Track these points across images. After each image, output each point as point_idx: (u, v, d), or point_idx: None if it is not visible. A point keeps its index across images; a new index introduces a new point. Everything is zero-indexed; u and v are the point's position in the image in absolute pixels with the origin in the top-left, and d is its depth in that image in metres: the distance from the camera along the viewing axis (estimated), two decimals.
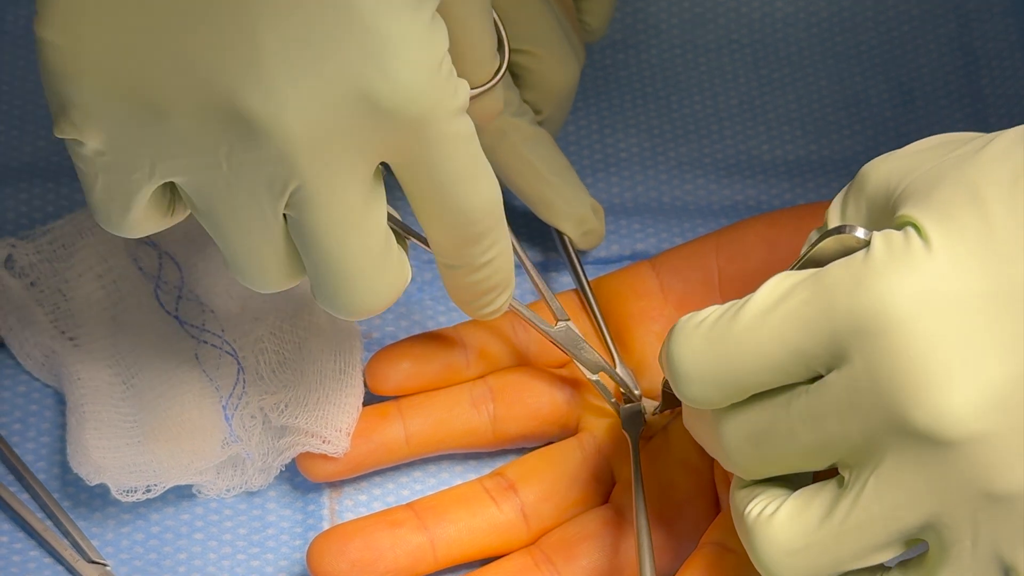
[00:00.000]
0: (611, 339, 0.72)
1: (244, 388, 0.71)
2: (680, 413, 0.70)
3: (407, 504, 0.69)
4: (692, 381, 0.58)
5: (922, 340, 0.53)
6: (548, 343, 0.71)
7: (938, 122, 0.84)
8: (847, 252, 0.56)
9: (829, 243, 0.57)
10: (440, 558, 0.68)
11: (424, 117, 0.57)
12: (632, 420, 0.70)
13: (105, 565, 0.69)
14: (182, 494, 0.70)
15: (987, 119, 0.83)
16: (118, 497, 0.68)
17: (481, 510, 0.68)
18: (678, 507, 0.68)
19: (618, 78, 0.84)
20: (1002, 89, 0.84)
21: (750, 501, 0.59)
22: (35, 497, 0.71)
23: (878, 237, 0.55)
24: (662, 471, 0.69)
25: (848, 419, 0.55)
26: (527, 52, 0.76)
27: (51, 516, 0.70)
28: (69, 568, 0.69)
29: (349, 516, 0.70)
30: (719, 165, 0.82)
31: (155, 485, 0.68)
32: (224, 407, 0.71)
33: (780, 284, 0.56)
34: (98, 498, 0.70)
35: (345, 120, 0.56)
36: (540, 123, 0.77)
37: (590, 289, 0.73)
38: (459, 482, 0.72)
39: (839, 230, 0.56)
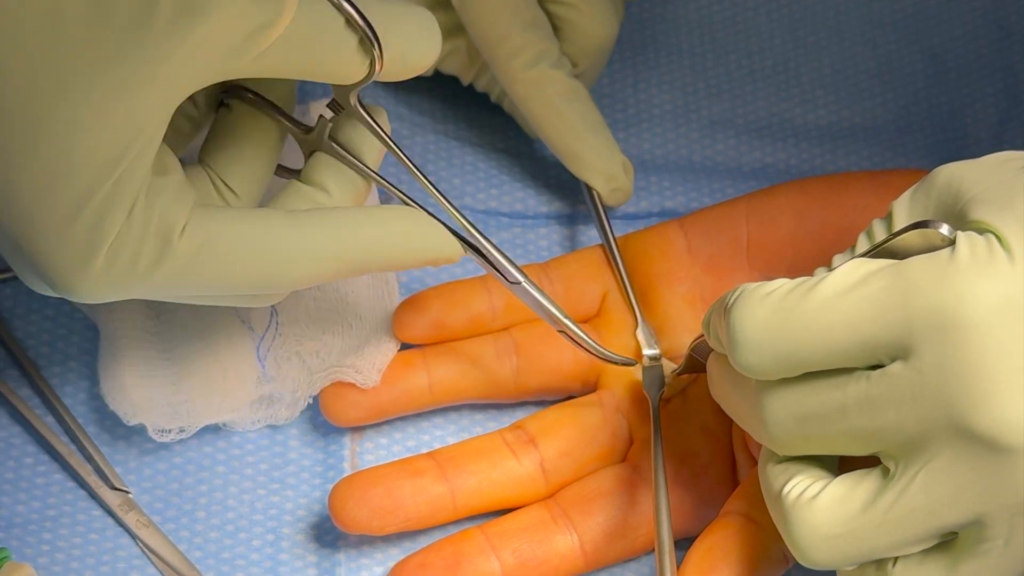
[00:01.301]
0: (635, 298, 0.73)
1: (278, 330, 0.72)
2: (699, 377, 0.71)
3: (428, 453, 0.70)
4: (751, 350, 0.58)
5: (996, 346, 0.54)
6: (574, 297, 0.73)
7: (969, 95, 0.84)
8: (927, 247, 0.57)
9: (912, 236, 0.57)
10: (459, 508, 0.69)
11: None
12: (653, 381, 0.71)
13: (127, 492, 0.70)
14: (206, 427, 0.71)
15: (1019, 95, 0.84)
16: (154, 437, 0.69)
17: (501, 463, 0.70)
18: (695, 469, 0.70)
19: (655, 33, 0.85)
20: None
21: (787, 480, 0.60)
22: (60, 422, 0.72)
23: (963, 239, 0.56)
24: (680, 433, 0.70)
25: (906, 410, 0.56)
26: (567, 4, 0.76)
27: (75, 441, 0.71)
28: (91, 493, 0.70)
29: (369, 459, 0.72)
30: (751, 126, 0.83)
31: (188, 426, 0.70)
32: (258, 347, 0.72)
33: (857, 268, 0.57)
34: (122, 426, 0.71)
35: None
36: (576, 76, 0.77)
37: (616, 246, 0.74)
38: (479, 431, 0.73)
39: (924, 224, 0.57)
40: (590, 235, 0.79)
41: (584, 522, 0.69)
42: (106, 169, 0.55)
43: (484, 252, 0.67)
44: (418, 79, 0.68)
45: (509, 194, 0.80)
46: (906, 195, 0.62)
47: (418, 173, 0.66)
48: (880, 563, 0.59)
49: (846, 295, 0.56)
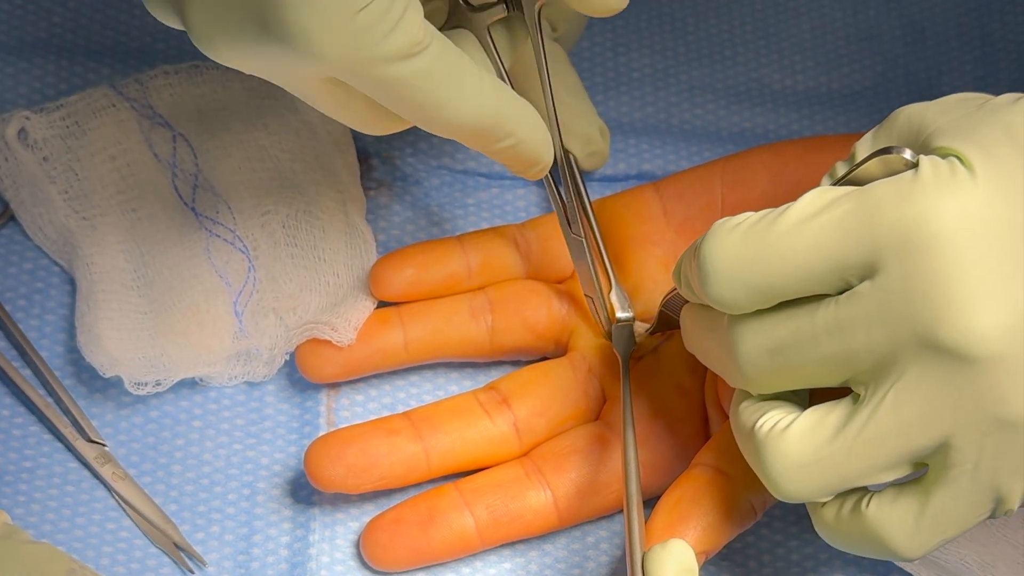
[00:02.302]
0: (609, 260, 0.74)
1: (255, 286, 0.73)
2: (672, 336, 0.72)
3: (403, 413, 0.71)
4: (722, 281, 0.60)
5: (960, 259, 0.56)
6: (550, 258, 0.74)
7: (947, 62, 0.85)
8: (890, 174, 0.59)
9: (873, 164, 0.59)
10: (433, 467, 0.70)
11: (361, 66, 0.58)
12: (622, 340, 0.72)
13: (103, 445, 0.71)
14: (183, 382, 0.73)
15: (996, 62, 0.85)
16: (130, 390, 0.70)
17: (475, 422, 0.71)
18: (667, 427, 0.71)
19: None
20: (1012, 34, 0.86)
21: (759, 417, 0.61)
22: (37, 374, 0.73)
23: (926, 161, 0.58)
24: (652, 391, 0.72)
25: (875, 330, 0.57)
26: None
27: (52, 394, 0.72)
28: (68, 446, 0.71)
29: (345, 415, 0.73)
30: (729, 91, 0.84)
31: (165, 379, 0.70)
32: (235, 302, 0.73)
33: (822, 195, 0.59)
34: (99, 379, 0.72)
35: None
36: (555, 40, 0.78)
37: (592, 209, 0.75)
38: (455, 389, 0.74)
39: (887, 151, 0.59)
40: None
41: (557, 479, 0.70)
42: None
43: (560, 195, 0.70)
44: None
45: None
46: (867, 135, 0.63)
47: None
48: (855, 503, 0.60)
49: (813, 219, 0.58)
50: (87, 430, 0.71)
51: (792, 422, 0.60)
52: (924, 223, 0.56)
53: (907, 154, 0.58)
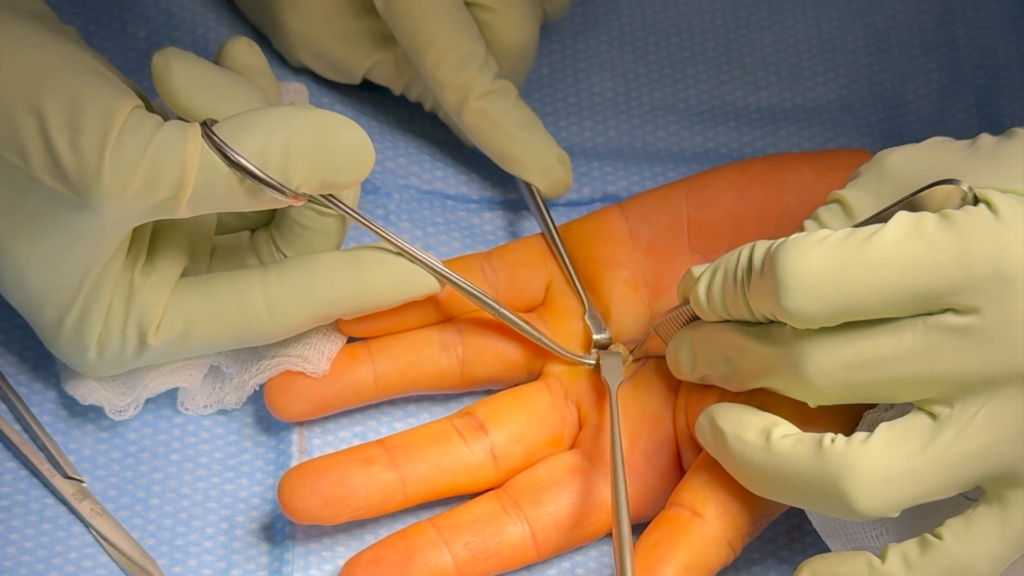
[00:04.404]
0: (581, 285, 0.77)
1: None
2: (645, 364, 0.75)
3: (378, 441, 0.73)
4: (803, 295, 0.63)
5: None
6: (518, 286, 0.77)
7: (911, 71, 0.88)
8: (943, 204, 0.63)
9: (932, 193, 0.64)
10: (410, 495, 0.73)
11: None
12: (612, 368, 0.75)
13: (81, 481, 0.74)
14: (160, 415, 0.76)
15: (961, 69, 0.88)
16: (111, 416, 0.73)
17: (451, 449, 0.73)
18: (644, 457, 0.74)
19: (596, 17, 0.88)
20: (976, 40, 0.89)
21: (805, 436, 0.65)
22: (12, 409, 0.76)
23: (998, 197, 0.62)
24: (627, 420, 0.74)
25: (966, 359, 0.62)
26: (484, 7, 0.81)
27: (28, 429, 0.75)
28: (45, 482, 0.74)
29: (317, 443, 0.75)
30: (693, 111, 0.87)
31: (140, 396, 0.73)
32: None
33: (908, 221, 0.62)
34: (77, 415, 0.76)
35: None
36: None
37: (559, 237, 0.78)
38: (427, 417, 0.77)
39: (950, 181, 0.63)
40: (530, 225, 0.83)
41: (535, 512, 0.72)
42: (68, 298, 0.70)
43: (464, 286, 0.73)
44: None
45: (454, 176, 0.84)
46: (852, 184, 0.68)
47: (379, 229, 0.72)
48: (920, 543, 0.64)
49: (902, 245, 0.62)
50: (64, 466, 0.74)
51: (868, 437, 0.64)
52: (1017, 259, 0.61)
53: (965, 186, 0.63)
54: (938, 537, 0.64)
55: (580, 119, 0.86)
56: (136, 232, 0.70)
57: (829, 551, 0.69)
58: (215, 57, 0.74)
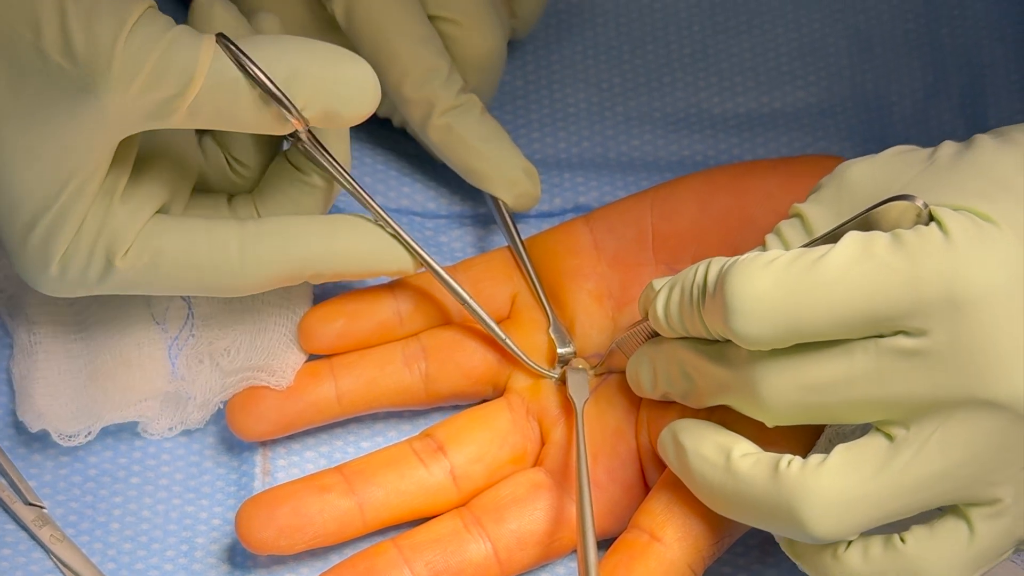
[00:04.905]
0: (546, 298, 0.77)
1: (192, 331, 0.76)
2: (607, 379, 0.74)
3: (336, 467, 0.74)
4: (753, 320, 0.62)
5: (1005, 315, 0.60)
6: (483, 300, 0.76)
7: (895, 71, 0.87)
8: (898, 220, 0.62)
9: (885, 210, 0.62)
10: (369, 521, 0.73)
11: None
12: (578, 385, 0.75)
13: (41, 507, 0.74)
14: (121, 439, 0.77)
15: (946, 68, 0.87)
16: (59, 442, 0.74)
17: (410, 472, 0.73)
18: (608, 472, 0.74)
19: (570, 27, 0.88)
20: (962, 39, 0.87)
21: (764, 456, 0.64)
22: None
23: (949, 215, 0.61)
24: (591, 436, 0.74)
25: (919, 382, 0.61)
26: (448, 20, 0.81)
27: None
28: (5, 508, 0.75)
29: (282, 464, 0.76)
30: (668, 119, 0.86)
31: (93, 426, 0.74)
32: (170, 347, 0.75)
33: (857, 242, 0.62)
34: (37, 439, 0.77)
35: None
36: (472, 91, 0.81)
37: (525, 250, 0.78)
38: (394, 435, 0.77)
39: (905, 197, 0.62)
40: (497, 239, 0.83)
41: (497, 529, 0.72)
42: (46, 200, 0.68)
43: (435, 268, 0.73)
44: None
45: (421, 192, 0.84)
46: (813, 198, 0.67)
47: (368, 198, 0.72)
48: (884, 542, 0.64)
49: (852, 268, 0.61)
50: (24, 492, 0.75)
51: (824, 460, 0.63)
52: (967, 282, 0.60)
53: (920, 203, 0.62)
54: (902, 540, 0.64)
55: (554, 130, 0.86)
56: (120, 154, 0.69)
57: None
58: None
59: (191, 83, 0.65)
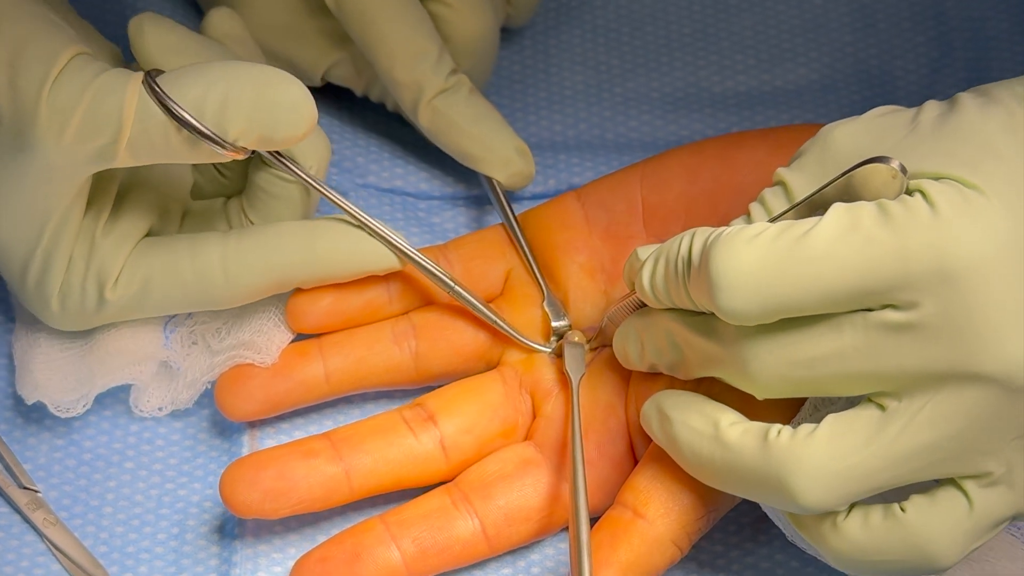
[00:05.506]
0: (540, 273, 0.76)
1: (188, 313, 0.77)
2: (598, 354, 0.74)
3: (323, 433, 0.74)
4: (738, 295, 0.62)
5: (993, 287, 0.60)
6: (474, 277, 0.77)
7: (899, 46, 0.87)
8: (885, 189, 0.62)
9: (862, 173, 0.62)
10: (355, 489, 0.73)
11: None
12: (575, 361, 0.74)
13: (36, 491, 0.75)
14: (117, 423, 0.78)
15: (951, 42, 0.86)
16: (56, 413, 0.75)
17: (399, 440, 0.73)
18: (598, 447, 0.74)
19: (569, 11, 0.88)
20: (967, 12, 0.87)
21: (752, 426, 0.64)
22: None
23: (933, 186, 0.61)
24: (581, 410, 0.74)
25: (910, 355, 0.61)
26: (438, 1, 0.81)
27: None
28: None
29: (270, 443, 0.76)
30: (667, 99, 0.86)
31: (89, 393, 0.75)
32: (165, 325, 0.77)
33: (844, 215, 0.61)
34: (33, 422, 0.77)
35: None
36: (464, 74, 0.81)
37: (519, 226, 0.78)
38: None
39: (881, 159, 0.62)
40: (496, 215, 0.82)
41: (485, 506, 0.72)
42: (29, 245, 0.71)
43: (419, 260, 0.73)
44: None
45: (414, 173, 0.85)
46: (795, 164, 0.67)
47: (338, 200, 0.73)
48: (884, 511, 0.64)
49: (839, 241, 0.61)
50: (19, 476, 0.76)
51: (814, 430, 0.63)
52: (956, 254, 0.60)
53: (896, 164, 0.61)
54: (902, 510, 0.63)
55: (550, 113, 0.86)
56: (100, 188, 0.72)
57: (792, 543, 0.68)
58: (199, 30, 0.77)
59: (121, 131, 0.67)
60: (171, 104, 0.66)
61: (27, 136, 0.67)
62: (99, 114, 0.66)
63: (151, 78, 0.67)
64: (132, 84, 0.67)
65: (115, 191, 0.73)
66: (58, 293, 0.72)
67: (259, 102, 0.67)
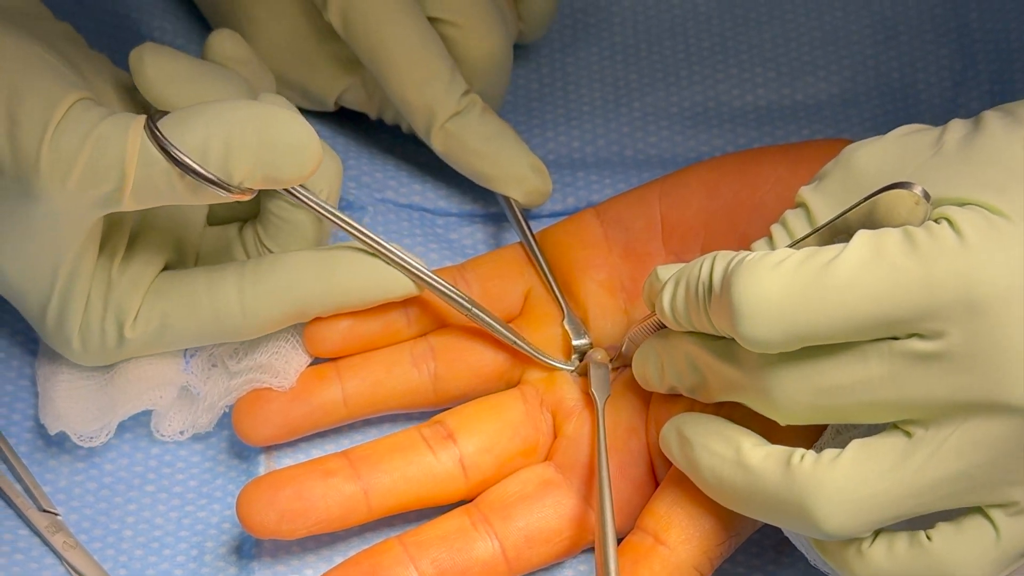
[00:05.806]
0: (559, 291, 0.76)
1: None
2: (620, 374, 0.74)
3: (341, 452, 0.73)
4: (761, 323, 0.61)
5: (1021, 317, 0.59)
6: (492, 298, 0.76)
7: (921, 59, 0.86)
8: (909, 216, 0.61)
9: (885, 199, 0.62)
10: (374, 508, 0.72)
11: None
12: (601, 382, 0.74)
13: (56, 514, 0.76)
14: (137, 446, 0.78)
15: (974, 55, 0.86)
16: (78, 443, 0.75)
17: (417, 459, 0.73)
18: (620, 469, 0.73)
19: (586, 28, 0.88)
20: (990, 23, 0.86)
21: (775, 450, 0.64)
22: None
23: (959, 213, 0.60)
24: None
25: (937, 385, 0.60)
26: (448, 22, 0.80)
27: (5, 461, 0.77)
28: (19, 514, 0.76)
29: (287, 462, 0.76)
30: (686, 114, 0.85)
31: (111, 422, 0.75)
32: (185, 350, 0.76)
33: (869, 243, 0.61)
34: (54, 445, 0.78)
35: None
36: (478, 94, 0.81)
37: (536, 245, 0.78)
38: None
39: (903, 185, 0.61)
40: (515, 233, 0.82)
41: (505, 527, 0.72)
42: (45, 289, 0.72)
43: (436, 284, 0.73)
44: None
45: (432, 190, 0.85)
46: (818, 186, 0.66)
47: (351, 228, 0.72)
48: (909, 539, 0.63)
49: (864, 270, 0.60)
50: (39, 499, 0.76)
51: (839, 455, 0.62)
52: (983, 283, 0.59)
53: (918, 190, 0.61)
54: (928, 538, 0.63)
55: (568, 129, 0.86)
56: (113, 227, 0.72)
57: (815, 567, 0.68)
58: (202, 53, 0.77)
59: (124, 179, 0.66)
60: (173, 151, 0.66)
61: (31, 184, 0.67)
62: (101, 162, 0.66)
63: (153, 123, 0.67)
64: (134, 131, 0.66)
65: (129, 229, 0.73)
66: (78, 333, 0.72)
67: (263, 144, 0.67)
